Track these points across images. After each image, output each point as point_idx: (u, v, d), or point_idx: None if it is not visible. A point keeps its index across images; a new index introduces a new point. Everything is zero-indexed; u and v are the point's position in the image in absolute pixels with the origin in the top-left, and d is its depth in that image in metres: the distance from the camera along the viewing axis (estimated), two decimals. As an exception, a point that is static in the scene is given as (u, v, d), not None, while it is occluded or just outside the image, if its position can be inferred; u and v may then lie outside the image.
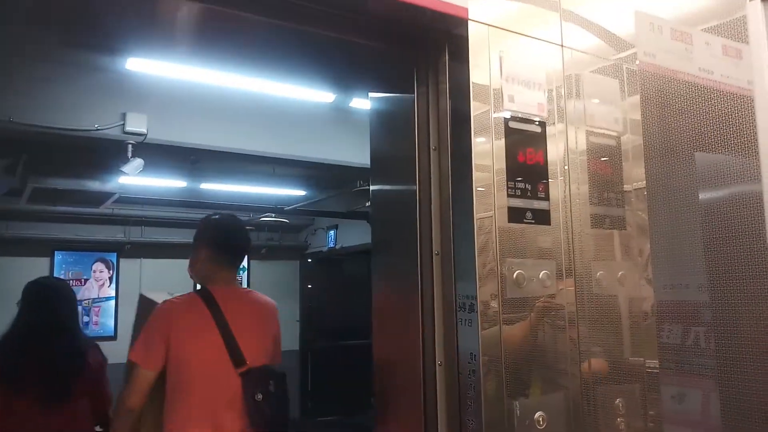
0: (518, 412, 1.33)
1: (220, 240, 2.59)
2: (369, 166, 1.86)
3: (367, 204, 7.29)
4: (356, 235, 8.46)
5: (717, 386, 1.63)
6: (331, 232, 9.20)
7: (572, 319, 1.47)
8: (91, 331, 8.26)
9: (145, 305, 2.89)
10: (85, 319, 8.27)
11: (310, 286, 9.93)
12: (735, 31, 1.80)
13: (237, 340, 2.37)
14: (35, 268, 7.89)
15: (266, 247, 9.63)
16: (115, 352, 9.01)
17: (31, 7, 3.13)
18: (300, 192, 7.56)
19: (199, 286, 2.62)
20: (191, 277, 2.63)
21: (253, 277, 9.68)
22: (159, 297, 2.72)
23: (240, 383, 2.34)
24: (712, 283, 1.68)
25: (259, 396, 2.34)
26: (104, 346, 9.00)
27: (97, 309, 8.37)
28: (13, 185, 5.83)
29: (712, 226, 1.68)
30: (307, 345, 9.67)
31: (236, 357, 2.35)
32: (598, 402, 1.49)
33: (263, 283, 9.66)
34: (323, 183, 7.25)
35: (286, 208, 7.86)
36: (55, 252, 8.15)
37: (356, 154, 5.31)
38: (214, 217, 2.74)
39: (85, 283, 8.35)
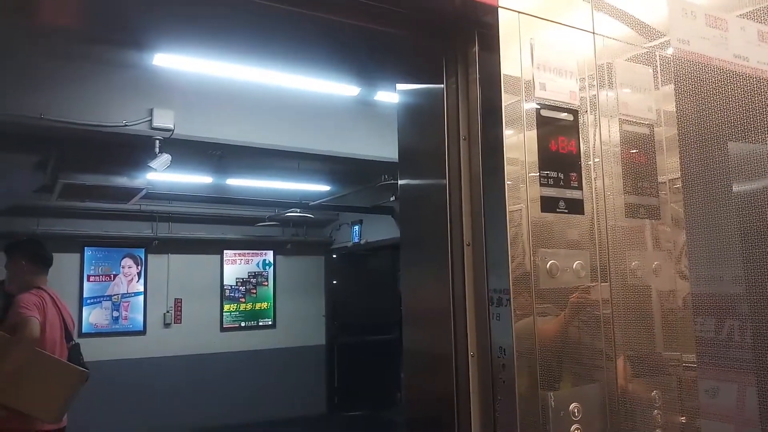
0: (553, 403, 1.31)
1: None
2: (393, 160, 1.85)
3: (392, 198, 7.26)
4: (381, 230, 8.46)
5: (755, 380, 1.59)
6: (356, 227, 9.20)
7: (606, 309, 1.45)
8: (121, 326, 8.37)
9: None
10: (115, 314, 8.39)
11: (335, 282, 9.96)
12: (772, 15, 1.75)
13: None
14: (66, 264, 8.01)
15: (291, 242, 9.68)
16: (145, 347, 9.13)
17: (59, 5, 3.17)
18: (324, 187, 7.58)
19: None
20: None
21: (278, 272, 9.73)
22: None
23: None
24: (748, 275, 1.63)
25: None
26: (133, 340, 9.10)
27: (126, 304, 8.48)
28: (45, 182, 5.93)
29: (749, 216, 1.64)
30: (333, 340, 9.72)
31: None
32: (633, 394, 1.46)
33: (288, 279, 9.71)
34: (348, 178, 7.26)
35: (311, 203, 7.88)
36: (85, 248, 8.27)
37: (381, 148, 5.30)
38: None
39: (114, 279, 8.47)
